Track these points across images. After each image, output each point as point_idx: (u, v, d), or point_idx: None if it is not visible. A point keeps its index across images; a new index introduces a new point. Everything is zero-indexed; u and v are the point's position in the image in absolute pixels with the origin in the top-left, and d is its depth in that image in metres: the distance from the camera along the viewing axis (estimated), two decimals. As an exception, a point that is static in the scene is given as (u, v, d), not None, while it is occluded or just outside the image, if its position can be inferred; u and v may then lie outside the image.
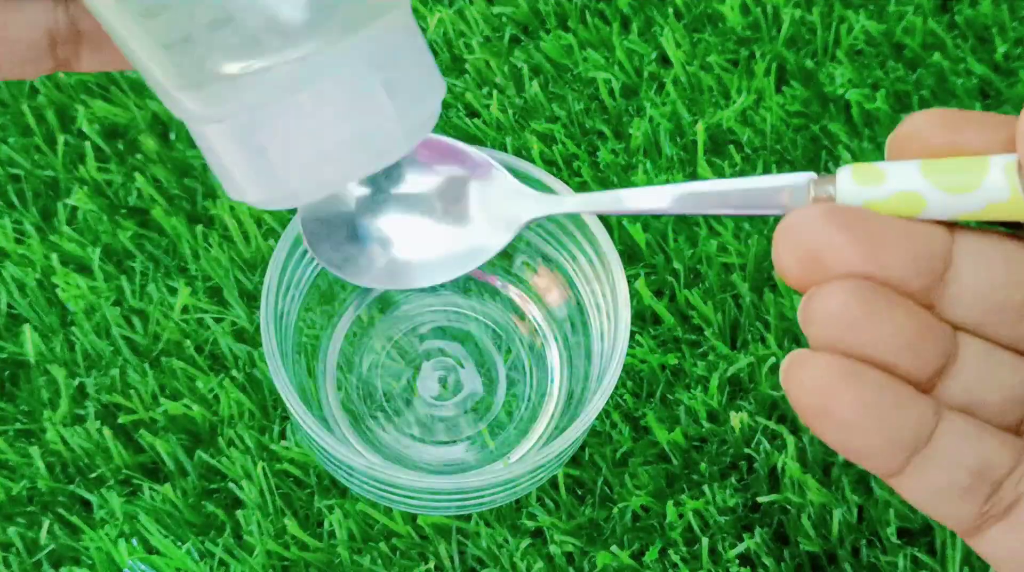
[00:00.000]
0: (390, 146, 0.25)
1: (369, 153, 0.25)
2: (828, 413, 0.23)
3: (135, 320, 0.44)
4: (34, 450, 0.42)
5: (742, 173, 0.46)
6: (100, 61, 0.27)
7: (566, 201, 0.31)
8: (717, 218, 0.46)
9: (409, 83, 0.25)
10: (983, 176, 0.22)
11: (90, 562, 0.40)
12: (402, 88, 0.25)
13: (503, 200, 0.32)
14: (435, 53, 0.50)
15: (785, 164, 0.47)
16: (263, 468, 0.41)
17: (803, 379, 0.23)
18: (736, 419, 0.42)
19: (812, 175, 0.25)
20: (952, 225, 0.24)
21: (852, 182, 0.24)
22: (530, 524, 0.41)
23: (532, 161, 0.46)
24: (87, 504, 0.41)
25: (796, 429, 0.42)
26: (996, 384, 0.24)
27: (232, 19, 0.22)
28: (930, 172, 0.23)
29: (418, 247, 0.31)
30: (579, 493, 0.42)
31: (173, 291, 0.44)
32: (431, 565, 0.40)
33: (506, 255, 0.43)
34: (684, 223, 0.46)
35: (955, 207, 0.23)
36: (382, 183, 0.31)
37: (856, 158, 0.47)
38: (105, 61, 0.27)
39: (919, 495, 0.23)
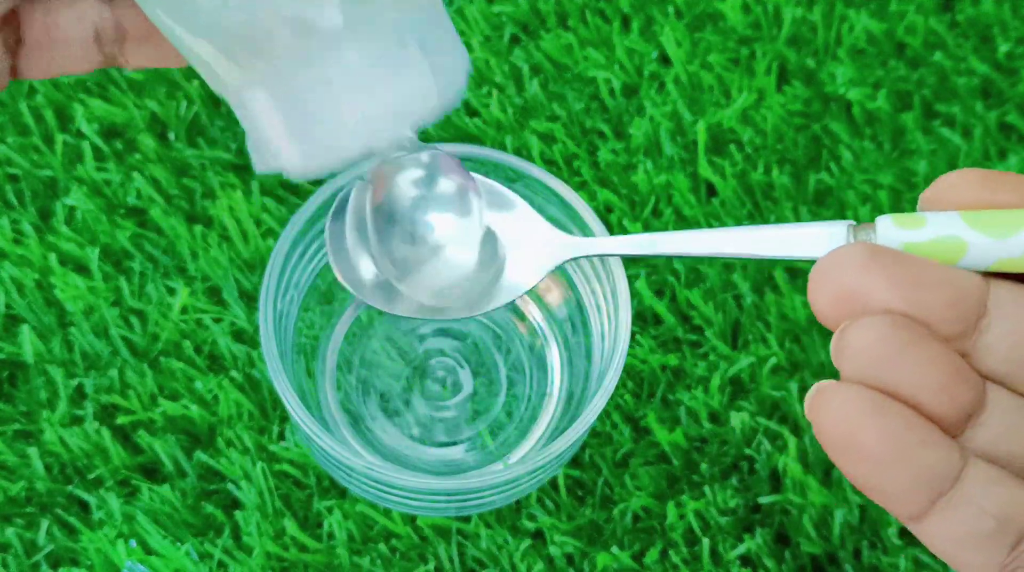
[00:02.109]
0: (426, 105, 0.26)
1: (406, 112, 0.26)
2: (854, 446, 0.22)
3: (134, 320, 0.44)
4: (32, 451, 0.41)
5: (743, 173, 0.46)
6: (146, 57, 0.29)
7: (599, 243, 0.32)
8: (717, 218, 0.46)
9: (440, 45, 0.26)
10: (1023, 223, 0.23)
11: (88, 563, 0.40)
12: (434, 48, 0.26)
13: (535, 242, 0.33)
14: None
15: (786, 163, 0.47)
16: (262, 469, 0.41)
17: (829, 409, 0.22)
18: (737, 419, 0.42)
19: (850, 222, 0.25)
20: (989, 276, 0.24)
21: (892, 226, 0.24)
22: (530, 525, 0.41)
23: (532, 160, 0.46)
24: (85, 505, 0.41)
25: (797, 430, 0.42)
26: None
27: None
28: (970, 219, 0.23)
29: (451, 285, 0.32)
30: (579, 494, 0.42)
31: (172, 291, 0.44)
32: (431, 566, 0.40)
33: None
34: (684, 223, 0.46)
35: (996, 252, 0.23)
36: (419, 219, 0.32)
37: (857, 158, 0.46)
38: (151, 57, 0.29)
39: (942, 541, 0.23)
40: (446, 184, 0.31)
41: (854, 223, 0.25)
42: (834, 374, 0.24)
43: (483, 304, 0.32)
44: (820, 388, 0.23)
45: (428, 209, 0.31)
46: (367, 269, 0.32)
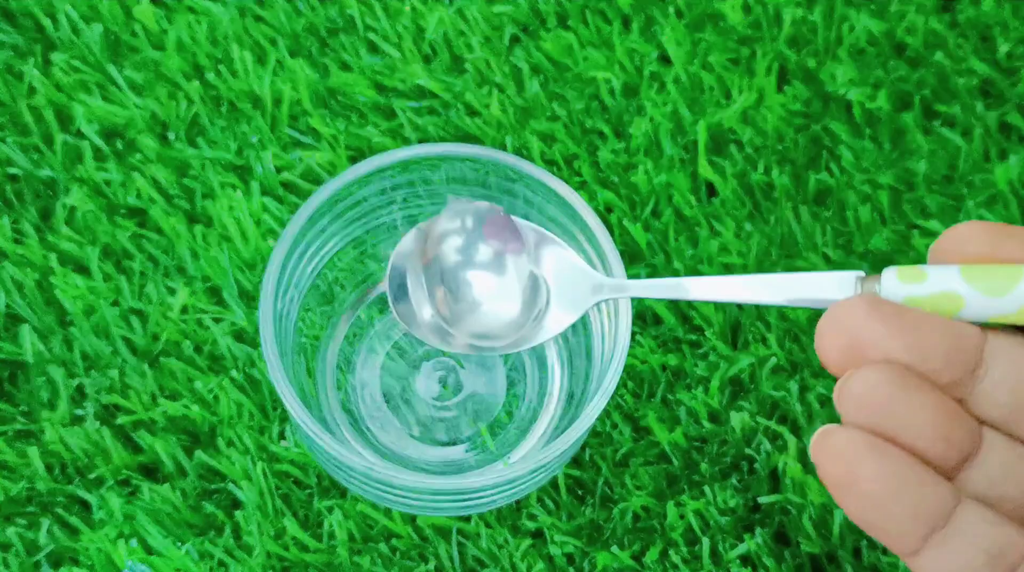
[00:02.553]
0: None
1: None
2: (853, 484, 0.23)
3: (134, 320, 0.44)
4: (33, 450, 0.42)
5: (743, 173, 0.46)
6: None
7: (632, 286, 0.34)
8: (717, 218, 0.46)
9: None
10: (1019, 280, 0.24)
11: (89, 563, 0.40)
12: None
13: (574, 283, 0.35)
14: (435, 53, 0.50)
15: (786, 163, 0.47)
16: (262, 468, 0.41)
17: (832, 450, 0.24)
18: (737, 419, 0.42)
19: (860, 273, 0.26)
20: (986, 326, 0.25)
21: (896, 281, 0.25)
22: (530, 525, 0.41)
23: (532, 160, 0.46)
24: (86, 505, 0.41)
25: (797, 430, 0.42)
26: (1018, 479, 0.25)
27: None
28: (969, 275, 0.24)
29: (496, 331, 0.36)
30: (579, 493, 0.42)
31: (172, 291, 0.44)
32: (431, 566, 0.40)
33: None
34: (684, 223, 0.46)
35: (991, 309, 0.24)
36: (462, 279, 0.35)
37: (858, 158, 0.46)
38: None
39: None
40: (489, 248, 0.35)
41: (863, 274, 0.26)
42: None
43: (527, 342, 0.35)
44: (824, 431, 0.24)
45: (472, 269, 0.35)
46: (422, 309, 0.36)
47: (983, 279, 0.24)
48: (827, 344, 0.25)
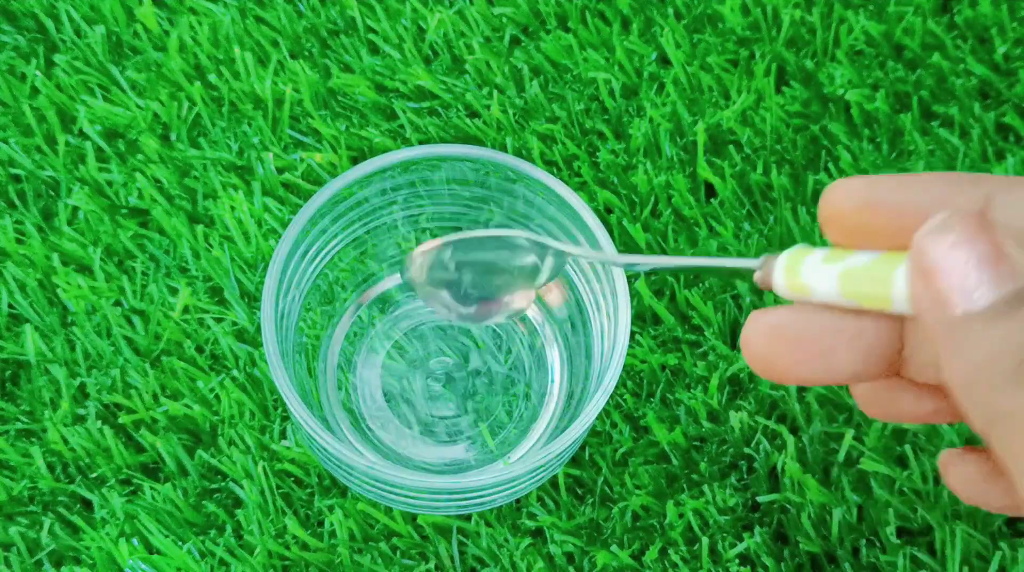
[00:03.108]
0: None
1: None
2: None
3: (136, 320, 0.44)
4: (35, 450, 0.42)
5: (742, 174, 0.47)
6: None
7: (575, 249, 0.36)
8: (716, 218, 0.46)
9: None
10: (890, 288, 0.24)
11: (91, 562, 0.40)
12: None
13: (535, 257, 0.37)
14: (435, 53, 0.50)
15: (785, 164, 0.47)
16: (263, 468, 0.41)
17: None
18: (736, 419, 0.42)
19: (768, 259, 0.26)
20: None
21: (782, 281, 0.26)
22: (530, 524, 0.41)
23: (532, 161, 0.47)
24: (88, 504, 0.42)
25: (795, 429, 0.42)
26: None
27: None
28: (846, 288, 0.24)
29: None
30: (579, 493, 0.42)
31: (174, 291, 0.44)
32: (431, 565, 0.40)
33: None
34: (684, 223, 0.46)
35: (854, 307, 0.25)
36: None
37: (856, 158, 0.47)
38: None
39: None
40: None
41: (771, 258, 0.26)
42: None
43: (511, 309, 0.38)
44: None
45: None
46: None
47: (858, 294, 0.24)
48: (750, 363, 0.26)
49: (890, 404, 0.27)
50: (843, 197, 0.25)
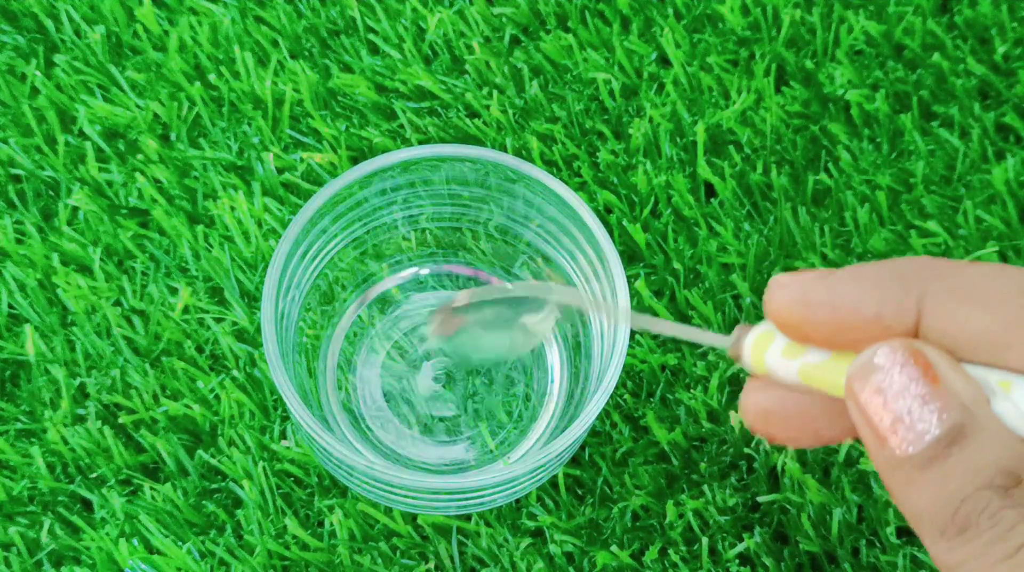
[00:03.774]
0: None
1: None
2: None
3: (136, 320, 0.44)
4: (35, 450, 0.42)
5: (742, 174, 0.47)
6: None
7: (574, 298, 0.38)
8: (716, 218, 0.46)
9: None
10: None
11: (91, 562, 0.40)
12: None
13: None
14: (435, 53, 0.50)
15: (785, 164, 0.47)
16: (263, 468, 0.41)
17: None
18: (736, 419, 0.42)
19: (742, 333, 0.27)
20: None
21: (750, 363, 0.26)
22: (530, 524, 0.41)
23: (532, 161, 0.47)
24: (88, 504, 0.42)
25: (796, 429, 0.42)
26: None
27: None
28: (807, 379, 0.25)
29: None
30: (579, 493, 0.42)
31: (174, 291, 0.44)
32: (431, 565, 0.40)
33: (507, 255, 0.43)
34: (683, 223, 0.46)
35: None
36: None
37: (855, 158, 0.47)
38: None
39: None
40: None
41: (746, 331, 0.27)
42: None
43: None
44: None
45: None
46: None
47: (817, 386, 0.25)
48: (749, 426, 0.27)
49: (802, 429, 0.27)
50: (780, 296, 0.25)
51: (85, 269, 0.45)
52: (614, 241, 0.45)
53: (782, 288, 0.25)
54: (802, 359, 0.25)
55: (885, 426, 0.22)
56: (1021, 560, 0.21)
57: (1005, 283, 0.22)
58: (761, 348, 0.26)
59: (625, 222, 0.46)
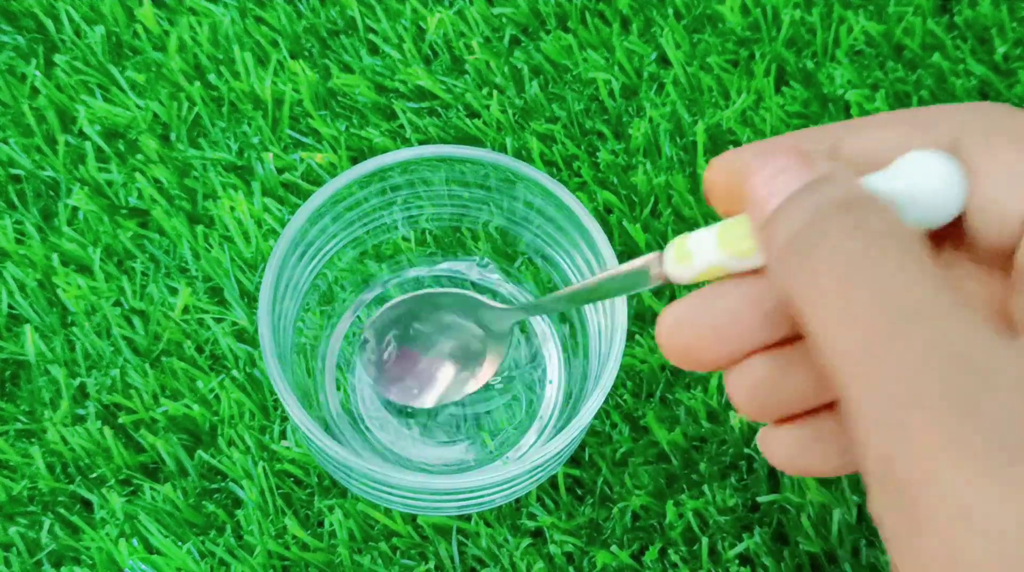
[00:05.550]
0: None
1: None
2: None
3: (135, 320, 0.44)
4: (35, 450, 0.42)
5: (742, 173, 0.47)
6: None
7: (521, 310, 0.40)
8: (716, 218, 0.46)
9: None
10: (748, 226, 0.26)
11: (91, 562, 0.40)
12: None
13: (489, 323, 0.41)
14: (435, 54, 0.50)
15: (785, 164, 0.47)
16: (263, 468, 0.41)
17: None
18: (736, 418, 0.42)
19: (659, 253, 0.29)
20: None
21: (675, 263, 0.28)
22: (530, 524, 0.41)
23: (532, 161, 0.47)
24: (88, 504, 0.42)
25: (795, 429, 0.42)
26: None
27: None
28: (723, 242, 0.27)
29: (449, 377, 0.42)
30: (579, 493, 0.42)
31: (174, 291, 0.44)
32: (431, 565, 0.40)
33: (506, 255, 0.43)
34: (683, 224, 0.46)
35: (745, 266, 0.27)
36: (416, 334, 0.42)
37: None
38: None
39: None
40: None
41: (659, 254, 0.29)
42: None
43: (474, 384, 0.42)
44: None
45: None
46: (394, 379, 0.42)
47: (733, 245, 0.26)
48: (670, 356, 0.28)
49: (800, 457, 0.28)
50: (715, 167, 0.28)
51: (85, 269, 0.45)
52: (614, 241, 0.45)
53: (718, 160, 0.28)
54: (720, 223, 0.27)
55: (766, 191, 0.25)
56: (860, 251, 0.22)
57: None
58: (683, 236, 0.28)
59: (625, 222, 0.46)
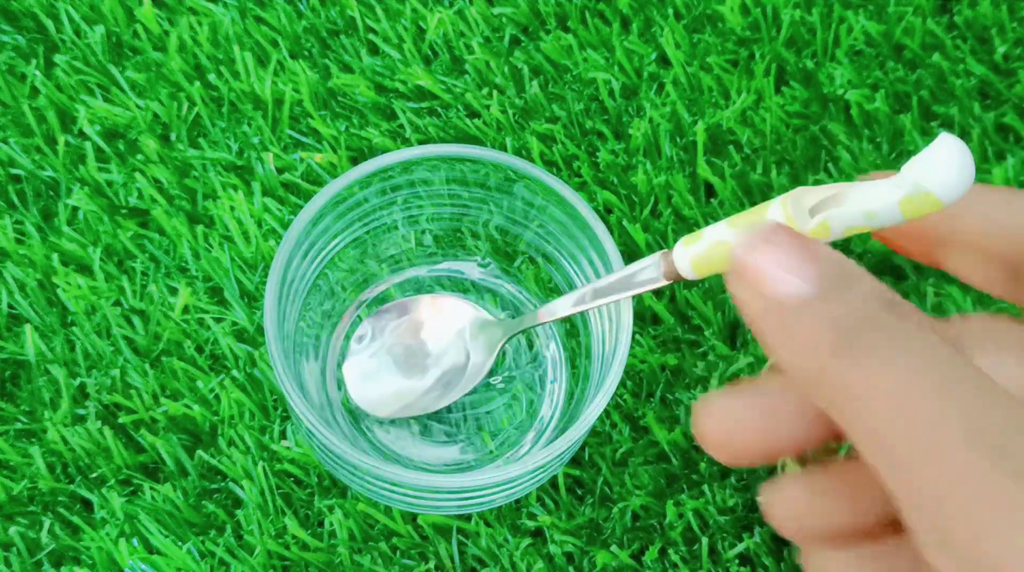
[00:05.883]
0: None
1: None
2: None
3: (136, 320, 0.44)
4: (35, 450, 0.42)
5: (741, 174, 0.47)
6: None
7: (524, 320, 0.40)
8: (716, 218, 0.46)
9: None
10: (764, 214, 0.26)
11: (91, 562, 0.40)
12: None
13: (479, 332, 0.42)
14: (435, 54, 0.50)
15: (785, 164, 0.47)
16: (263, 468, 0.41)
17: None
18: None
19: (664, 251, 0.31)
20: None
21: (682, 247, 0.29)
22: (530, 524, 0.41)
23: (532, 161, 0.47)
24: (88, 504, 0.42)
25: (796, 429, 0.42)
26: None
27: None
28: (732, 223, 0.27)
29: (431, 384, 0.42)
30: (579, 493, 0.42)
31: (174, 291, 0.44)
32: (431, 565, 0.40)
33: (507, 255, 0.43)
34: (683, 224, 0.46)
35: None
36: (398, 341, 0.42)
37: (855, 158, 0.47)
38: None
39: None
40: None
41: (666, 251, 0.31)
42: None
43: (458, 392, 0.42)
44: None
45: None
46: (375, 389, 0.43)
47: (741, 221, 0.27)
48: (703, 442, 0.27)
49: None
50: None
51: (85, 269, 0.45)
52: (614, 241, 0.45)
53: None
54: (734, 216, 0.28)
55: (765, 275, 0.23)
56: (923, 360, 0.21)
57: None
58: (693, 232, 0.29)
59: (625, 222, 0.46)
